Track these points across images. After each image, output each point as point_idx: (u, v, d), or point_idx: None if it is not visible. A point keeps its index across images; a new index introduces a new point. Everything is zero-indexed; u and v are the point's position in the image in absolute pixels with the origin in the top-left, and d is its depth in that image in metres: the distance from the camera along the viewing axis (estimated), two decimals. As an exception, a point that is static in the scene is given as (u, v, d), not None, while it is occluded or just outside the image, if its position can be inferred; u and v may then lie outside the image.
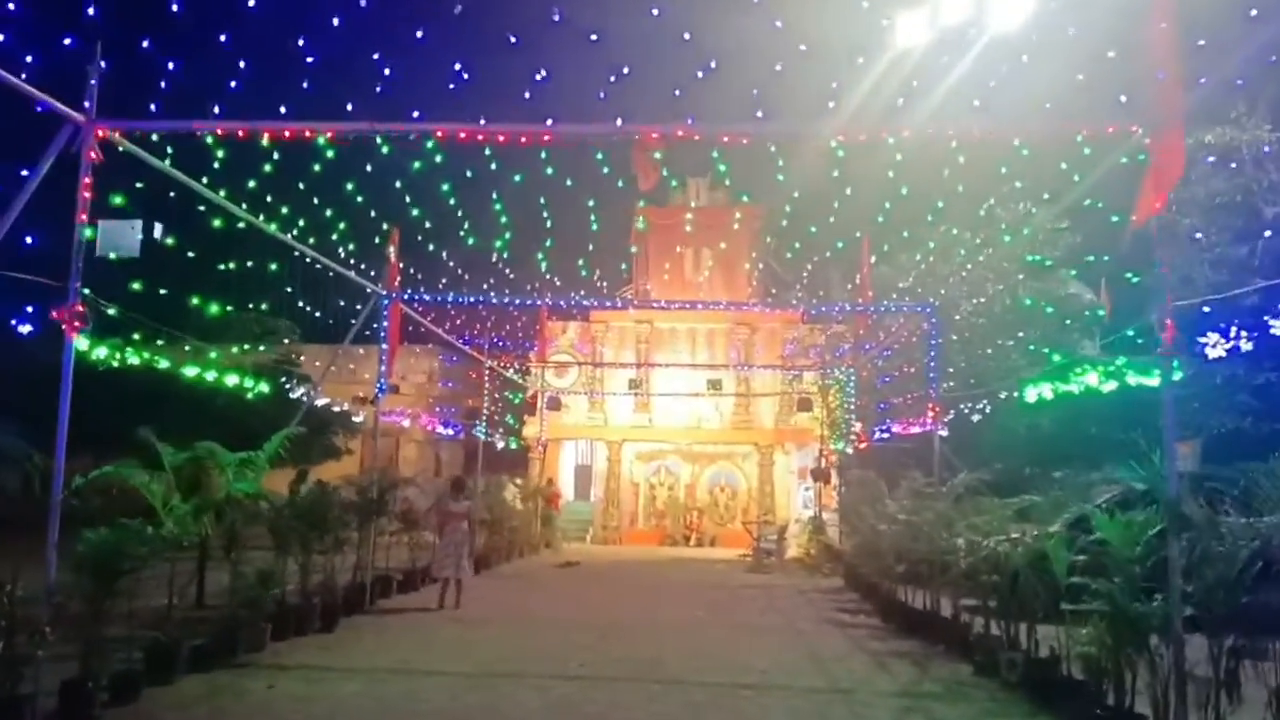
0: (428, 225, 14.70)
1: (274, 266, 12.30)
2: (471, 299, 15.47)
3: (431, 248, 15.71)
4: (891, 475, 16.66)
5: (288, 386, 22.26)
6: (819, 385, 26.14)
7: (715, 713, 8.26)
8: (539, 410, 30.18)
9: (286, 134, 8.02)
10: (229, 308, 14.74)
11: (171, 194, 9.36)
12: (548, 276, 17.41)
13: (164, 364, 13.13)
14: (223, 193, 9.90)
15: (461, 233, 14.62)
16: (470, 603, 15.23)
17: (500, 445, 25.97)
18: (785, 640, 12.37)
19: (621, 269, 33.57)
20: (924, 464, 18.85)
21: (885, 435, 18.52)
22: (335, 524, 12.69)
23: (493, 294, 16.11)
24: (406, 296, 15.13)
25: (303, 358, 28.59)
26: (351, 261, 13.89)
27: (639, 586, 18.83)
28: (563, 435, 32.65)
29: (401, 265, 14.68)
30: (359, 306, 14.13)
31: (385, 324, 14.30)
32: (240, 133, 8.07)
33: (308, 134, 7.98)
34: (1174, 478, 7.73)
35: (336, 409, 26.63)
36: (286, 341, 30.42)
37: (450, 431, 21.00)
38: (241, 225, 10.48)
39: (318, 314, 14.77)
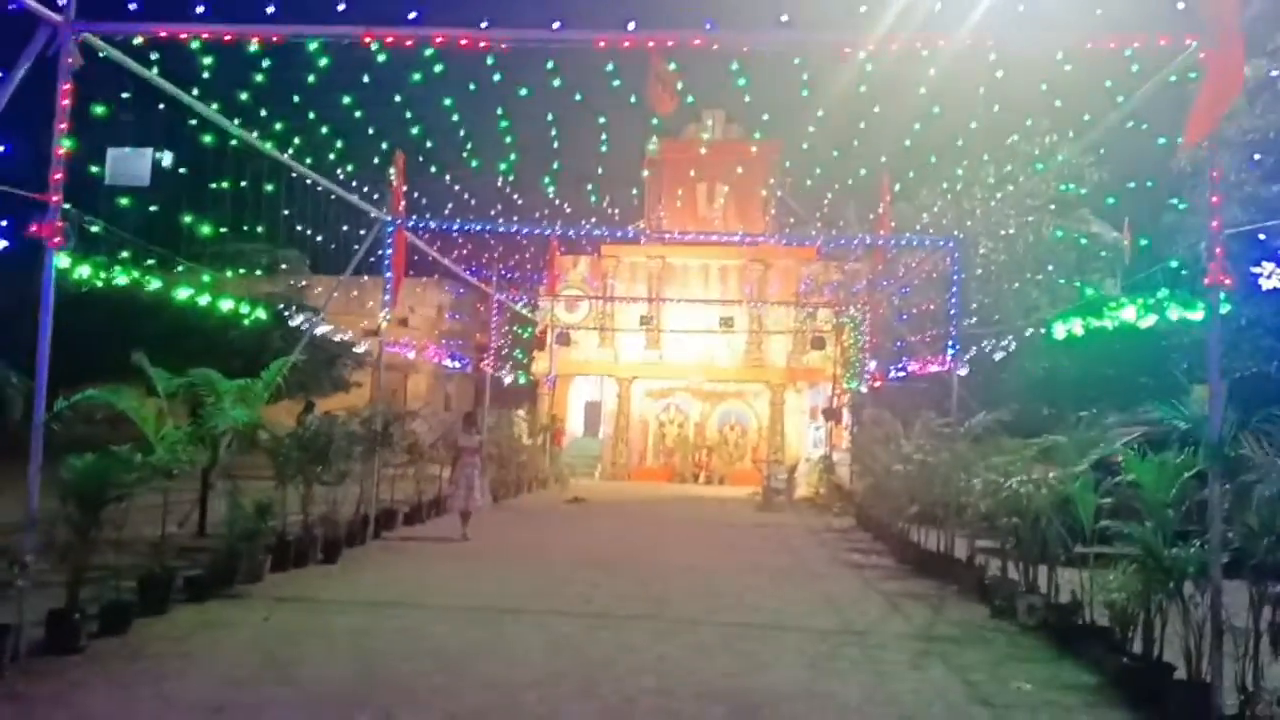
0: (430, 145, 14.16)
1: (270, 188, 11.77)
2: (479, 226, 14.92)
3: (434, 170, 15.15)
4: (905, 416, 16.28)
5: (290, 317, 21.94)
6: (833, 323, 25.66)
7: (725, 655, 7.96)
8: (548, 345, 29.82)
9: (275, 39, 7.50)
10: (223, 229, 14.24)
11: (160, 106, 8.84)
12: (557, 203, 16.84)
13: (156, 287, 12.72)
14: (215, 106, 9.39)
15: (465, 154, 14.07)
16: (475, 537, 15.02)
17: (508, 380, 25.63)
18: (797, 580, 12.09)
19: (633, 202, 32.99)
20: (937, 404, 18.46)
21: (901, 374, 18.07)
22: (338, 455, 12.38)
23: (501, 221, 15.54)
24: (411, 224, 14.63)
25: (317, 290, 28.33)
26: (354, 183, 13.39)
27: (647, 524, 18.60)
28: (572, 371, 32.32)
29: (406, 189, 14.16)
30: (362, 233, 13.65)
31: (389, 252, 13.84)
32: (227, 37, 7.54)
33: (298, 35, 7.44)
34: (1217, 416, 7.28)
35: (340, 340, 26.35)
36: (285, 270, 30.06)
37: (457, 364, 20.60)
38: (235, 142, 9.97)
39: (319, 239, 14.25)
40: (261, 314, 14.00)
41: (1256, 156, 21.02)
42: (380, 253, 13.81)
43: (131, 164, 40.13)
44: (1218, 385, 7.56)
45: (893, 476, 14.88)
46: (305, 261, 29.17)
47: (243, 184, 12.41)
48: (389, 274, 13.92)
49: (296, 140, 11.36)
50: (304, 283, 26.60)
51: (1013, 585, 10.41)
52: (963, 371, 13.62)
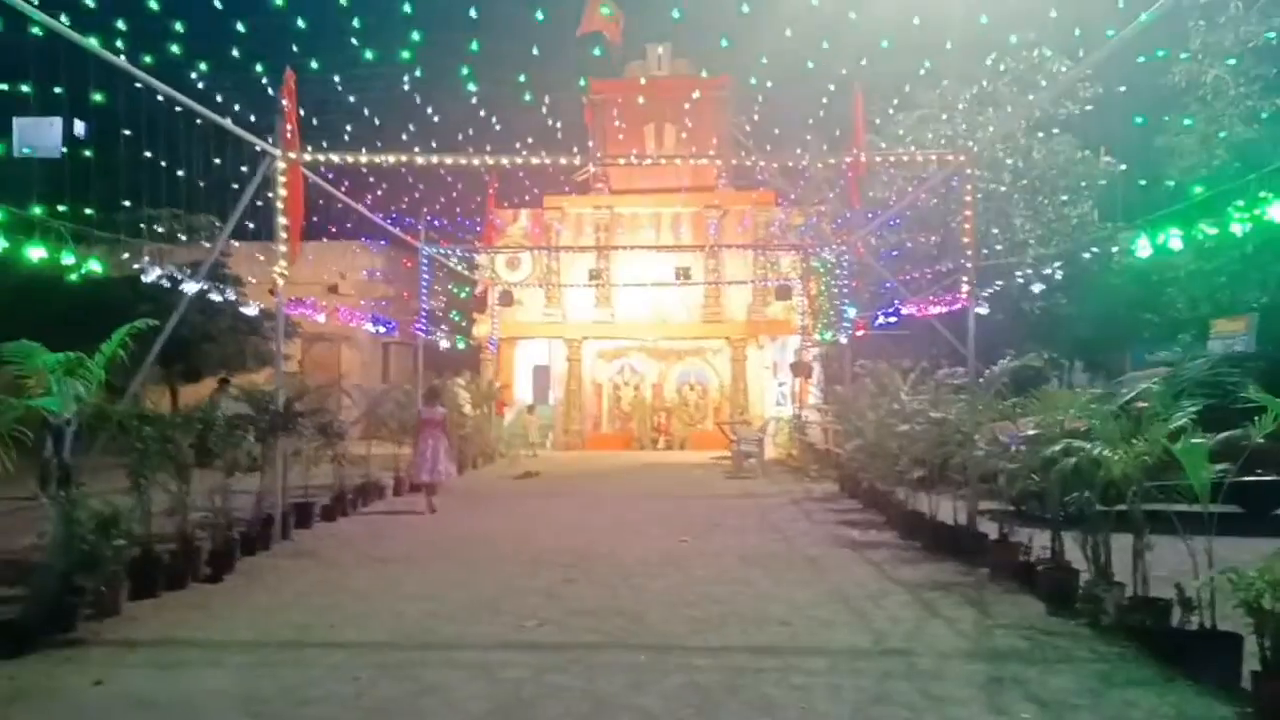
0: (333, 75, 11.54)
1: (99, 98, 9.14)
2: (392, 159, 12.27)
3: (338, 93, 12.55)
4: (897, 367, 14.25)
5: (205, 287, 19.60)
6: (801, 268, 23.48)
7: (733, 705, 5.78)
8: (489, 306, 27.32)
9: None
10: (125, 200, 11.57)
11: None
12: (490, 154, 14.10)
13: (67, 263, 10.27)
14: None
15: (367, 74, 11.53)
16: (403, 531, 12.74)
17: (445, 345, 23.13)
18: (796, 572, 9.94)
19: (576, 149, 30.50)
20: (924, 354, 16.44)
21: (892, 320, 15.92)
22: (221, 443, 9.94)
23: (419, 151, 12.92)
24: (312, 161, 12.04)
25: (230, 256, 25.50)
26: (237, 108, 10.79)
27: (607, 501, 16.38)
28: (517, 334, 29.87)
29: (302, 115, 11.53)
30: (244, 169, 11.07)
31: (282, 193, 11.29)
32: None
33: None
34: None
35: (249, 310, 23.80)
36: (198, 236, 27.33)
37: (382, 330, 18.11)
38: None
39: (202, 185, 11.64)
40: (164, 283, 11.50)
41: (1261, 64, 19.10)
42: (270, 194, 11.25)
43: (41, 132, 36.62)
44: None
45: (891, 436, 12.81)
46: (218, 226, 26.44)
47: (127, 133, 9.79)
48: (283, 219, 11.35)
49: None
50: (223, 252, 24.05)
51: (1067, 571, 8.41)
52: (982, 310, 11.49)
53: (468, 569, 10.12)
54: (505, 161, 12.36)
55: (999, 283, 12.00)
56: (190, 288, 11.03)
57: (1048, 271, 13.51)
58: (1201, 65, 19.76)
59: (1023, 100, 18.14)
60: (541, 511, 14.99)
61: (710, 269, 28.64)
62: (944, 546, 11.04)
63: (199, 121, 9.65)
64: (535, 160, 12.34)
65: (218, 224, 25.43)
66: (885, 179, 19.55)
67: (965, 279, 11.15)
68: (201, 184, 11.38)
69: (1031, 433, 10.16)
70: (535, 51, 18.78)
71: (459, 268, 25.90)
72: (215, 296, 11.20)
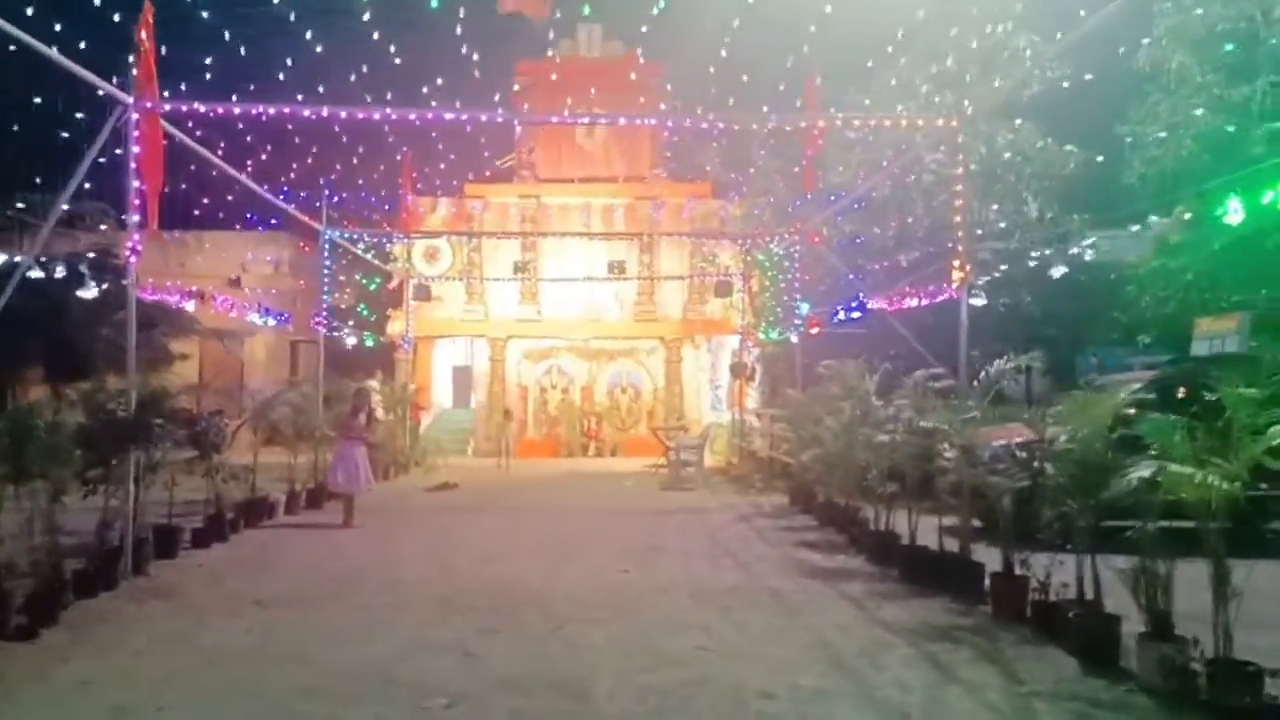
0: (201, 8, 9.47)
1: None
2: (273, 109, 10.15)
3: (211, 30, 10.44)
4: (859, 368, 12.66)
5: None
6: (744, 262, 21.84)
7: None
8: (404, 301, 25.15)
9: None
10: None
11: None
12: (399, 108, 12.07)
13: None
14: None
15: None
16: (290, 558, 10.74)
17: (352, 343, 20.95)
18: (763, 614, 8.20)
19: (501, 135, 28.61)
20: (881, 354, 14.94)
21: (855, 315, 14.30)
22: (46, 457, 7.80)
23: (304, 101, 10.80)
24: (175, 110, 9.90)
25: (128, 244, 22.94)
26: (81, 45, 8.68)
27: (533, 518, 14.50)
28: (436, 332, 27.74)
29: (161, 53, 9.37)
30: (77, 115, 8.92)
31: (135, 149, 9.16)
32: None
33: None
34: None
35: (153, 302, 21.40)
36: (103, 228, 24.75)
37: (272, 322, 15.95)
38: None
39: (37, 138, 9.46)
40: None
41: (1229, 47, 18.04)
42: (120, 150, 9.11)
43: None
44: None
45: (861, 445, 11.20)
46: (110, 214, 23.81)
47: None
48: (136, 183, 9.21)
49: None
50: (113, 242, 22.10)
51: (1105, 619, 6.82)
52: (977, 300, 9.92)
53: (361, 614, 8.16)
54: (414, 118, 10.30)
55: (1003, 267, 10.47)
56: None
57: (1005, 267, 12.12)
58: (1166, 51, 18.72)
59: (987, 82, 16.78)
60: (458, 531, 13.04)
61: (644, 264, 26.90)
62: (926, 576, 9.43)
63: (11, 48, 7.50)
64: (450, 116, 10.38)
65: (110, 213, 23.06)
66: (842, 168, 17.98)
67: (956, 264, 9.55)
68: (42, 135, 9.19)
69: (1019, 441, 8.75)
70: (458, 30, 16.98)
71: (369, 257, 23.68)
72: (36, 273, 8.97)
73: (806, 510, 14.74)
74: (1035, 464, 7.58)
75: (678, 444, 20.11)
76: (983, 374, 9.15)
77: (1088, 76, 17.26)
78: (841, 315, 14.65)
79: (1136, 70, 18.98)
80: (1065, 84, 17.82)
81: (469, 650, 7.00)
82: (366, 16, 13.88)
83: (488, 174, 28.83)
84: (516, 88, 27.05)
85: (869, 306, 13.52)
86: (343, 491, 13.61)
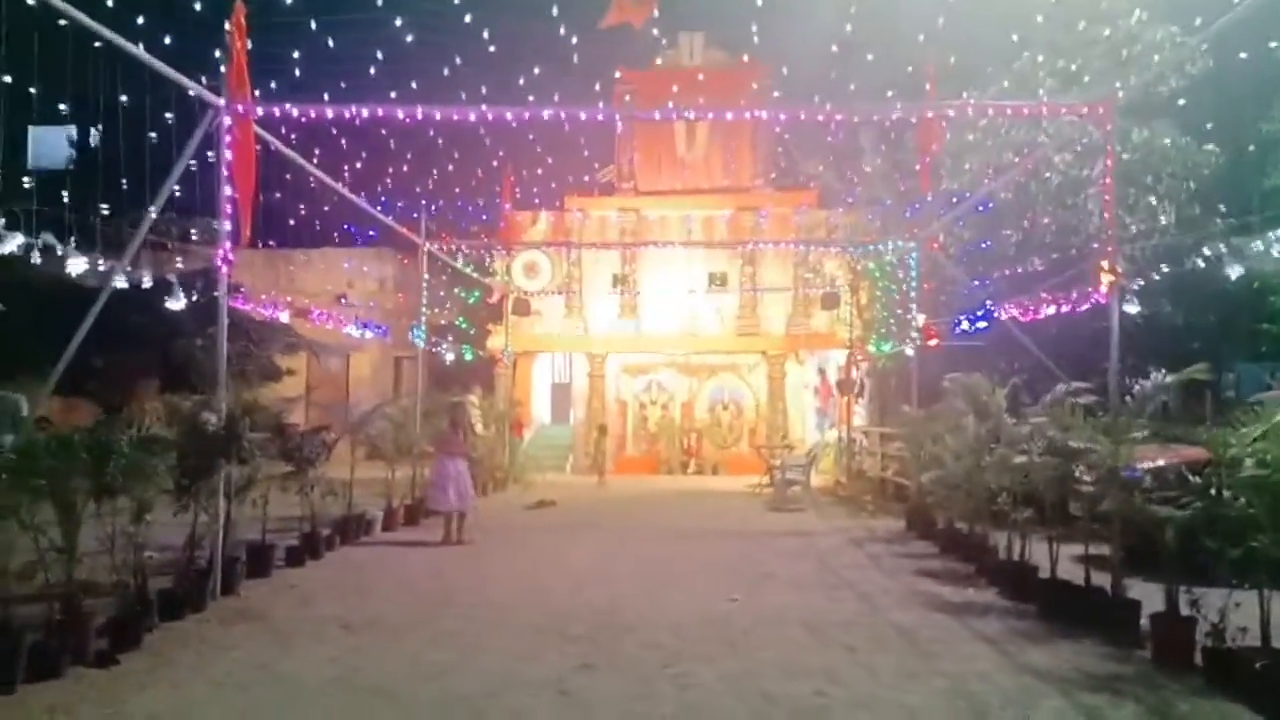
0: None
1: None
2: (365, 111, 9.77)
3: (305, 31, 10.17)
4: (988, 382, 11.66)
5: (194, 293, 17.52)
6: (851, 273, 20.88)
7: None
8: (504, 315, 24.90)
9: None
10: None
11: None
12: (497, 108, 11.59)
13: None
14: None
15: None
16: (386, 578, 10.32)
17: (450, 358, 20.72)
18: (890, 654, 7.36)
19: (601, 148, 28.24)
20: (1005, 370, 13.92)
21: (982, 325, 13.26)
22: (132, 476, 7.48)
23: (398, 104, 10.41)
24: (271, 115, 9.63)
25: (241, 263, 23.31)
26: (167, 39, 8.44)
27: (633, 539, 13.85)
28: (535, 347, 27.46)
29: (251, 50, 9.08)
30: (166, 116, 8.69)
31: (227, 154, 8.90)
32: None
33: None
34: None
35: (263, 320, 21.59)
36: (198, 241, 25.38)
37: (369, 334, 15.75)
38: None
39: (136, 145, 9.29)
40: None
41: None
42: (211, 154, 8.85)
43: (50, 143, 34.52)
44: None
45: (992, 466, 10.23)
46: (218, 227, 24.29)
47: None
48: (229, 190, 8.95)
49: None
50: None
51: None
52: (1131, 308, 8.92)
53: (452, 642, 7.62)
54: (510, 117, 9.81)
55: (1164, 267, 9.43)
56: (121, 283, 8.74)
57: (1159, 272, 11.00)
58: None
59: (1118, 77, 15.57)
60: (556, 552, 12.50)
61: (746, 275, 26.12)
62: (1069, 614, 8.45)
63: (99, 45, 7.26)
64: (548, 113, 9.84)
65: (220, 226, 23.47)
66: (967, 167, 16.90)
67: (1105, 267, 8.57)
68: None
69: (1161, 464, 7.82)
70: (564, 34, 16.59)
71: (469, 270, 23.48)
72: (121, 283, 8.72)
73: (925, 536, 13.77)
74: (1211, 490, 6.58)
75: (783, 463, 19.25)
76: (1136, 389, 8.15)
77: (1243, 55, 15.85)
78: (965, 325, 13.63)
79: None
80: (1208, 73, 16.42)
81: (564, 688, 6.38)
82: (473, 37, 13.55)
83: (586, 180, 28.49)
84: (627, 97, 26.64)
85: (997, 316, 12.50)
86: (454, 509, 13.28)
